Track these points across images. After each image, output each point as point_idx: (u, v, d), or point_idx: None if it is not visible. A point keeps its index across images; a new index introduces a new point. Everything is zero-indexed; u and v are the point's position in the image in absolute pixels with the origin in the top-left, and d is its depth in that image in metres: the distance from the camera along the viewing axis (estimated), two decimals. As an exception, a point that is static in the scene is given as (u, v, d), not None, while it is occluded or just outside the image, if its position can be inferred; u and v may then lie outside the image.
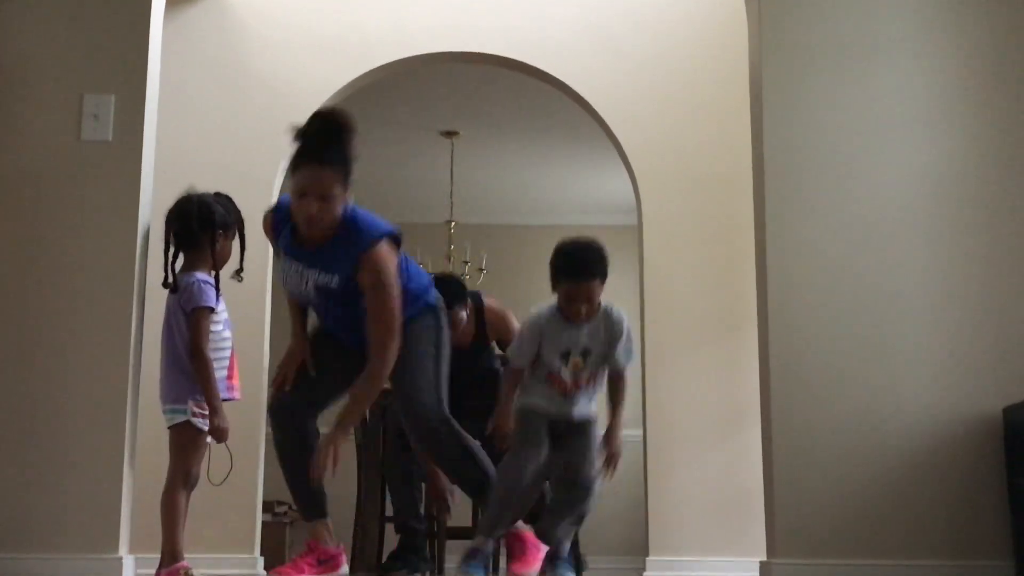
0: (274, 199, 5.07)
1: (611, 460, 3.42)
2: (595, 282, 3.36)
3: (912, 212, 3.51)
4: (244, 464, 4.69)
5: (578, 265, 3.37)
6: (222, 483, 3.31)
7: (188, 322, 3.22)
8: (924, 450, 3.38)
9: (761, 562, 3.50)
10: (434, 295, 3.57)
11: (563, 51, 5.19)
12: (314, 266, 3.32)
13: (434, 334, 3.52)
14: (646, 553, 4.87)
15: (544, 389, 3.43)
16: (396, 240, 3.37)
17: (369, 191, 8.48)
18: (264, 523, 5.24)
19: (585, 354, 3.37)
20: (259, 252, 4.86)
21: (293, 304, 3.51)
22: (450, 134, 7.39)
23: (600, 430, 3.47)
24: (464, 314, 4.47)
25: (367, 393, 3.30)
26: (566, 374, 3.36)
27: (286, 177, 3.26)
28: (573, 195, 8.57)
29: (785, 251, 3.51)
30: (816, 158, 3.54)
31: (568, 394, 3.40)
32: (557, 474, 3.45)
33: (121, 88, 3.48)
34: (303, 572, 3.28)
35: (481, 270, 8.15)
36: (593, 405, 3.46)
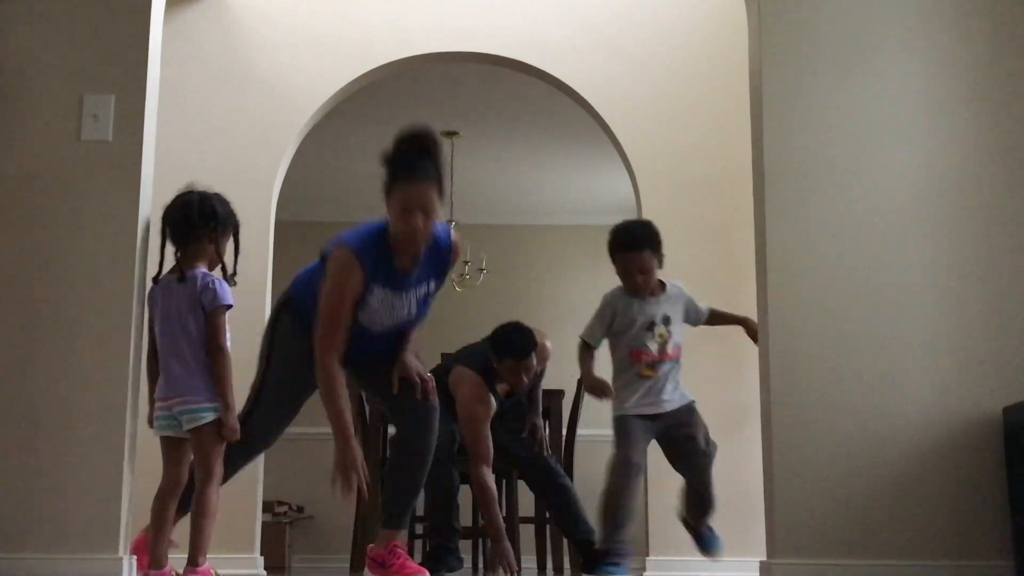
0: (274, 199, 5.07)
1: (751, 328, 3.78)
2: (645, 252, 3.63)
3: (912, 211, 3.51)
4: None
5: (626, 238, 3.69)
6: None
7: (208, 320, 3.20)
8: (924, 450, 3.38)
9: (761, 562, 3.50)
10: None
11: (563, 51, 5.19)
12: (414, 285, 3.50)
13: None
14: (646, 553, 4.87)
15: (631, 383, 3.60)
16: None
17: (369, 192, 8.47)
18: (264, 523, 5.24)
19: (667, 322, 3.55)
20: (260, 252, 4.87)
21: (338, 400, 3.40)
22: (450, 134, 7.38)
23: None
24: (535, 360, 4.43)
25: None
26: (653, 345, 3.52)
27: (390, 197, 3.42)
28: (573, 195, 8.57)
29: (785, 251, 3.51)
30: (816, 158, 3.54)
31: (655, 366, 3.52)
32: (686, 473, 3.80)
33: (121, 88, 3.48)
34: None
35: (481, 270, 8.15)
36: (685, 391, 3.63)
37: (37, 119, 3.45)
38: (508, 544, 4.40)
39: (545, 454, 4.68)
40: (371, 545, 3.60)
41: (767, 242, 3.53)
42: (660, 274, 3.83)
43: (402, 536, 3.62)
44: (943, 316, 3.45)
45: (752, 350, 3.94)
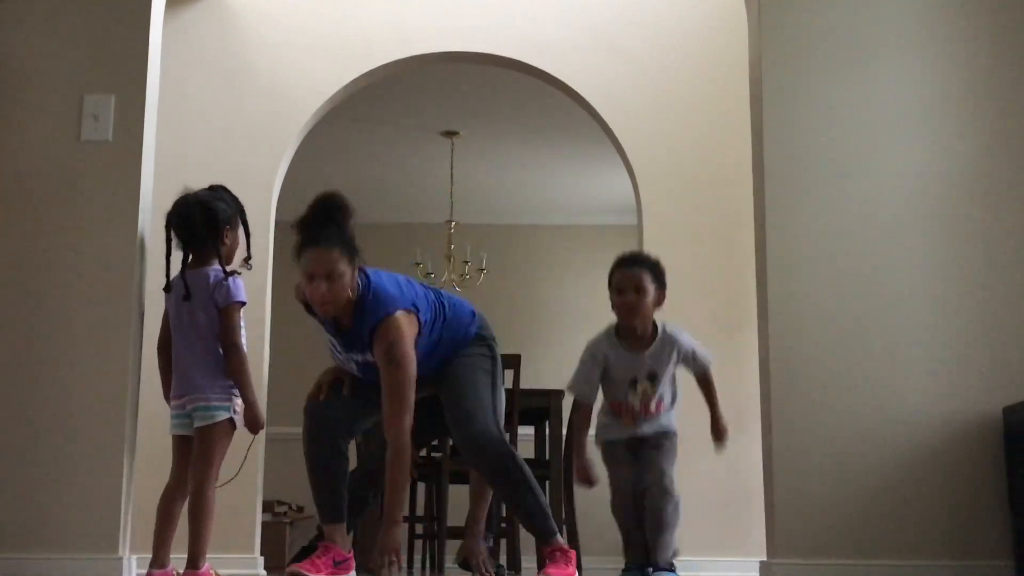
0: (274, 199, 5.07)
1: (720, 438, 3.47)
2: (644, 272, 3.42)
3: (912, 211, 3.51)
4: (245, 464, 4.68)
5: (628, 256, 3.51)
6: (226, 484, 3.30)
7: (221, 317, 3.20)
8: (924, 450, 3.38)
9: (761, 562, 3.50)
10: (478, 325, 3.61)
11: (563, 51, 5.19)
12: (352, 348, 3.40)
13: (488, 362, 3.56)
14: (646, 553, 4.87)
15: (612, 421, 3.46)
16: (417, 310, 3.41)
17: (369, 191, 8.49)
18: (264, 523, 5.24)
19: (652, 378, 3.40)
20: (260, 250, 4.85)
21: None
22: (450, 134, 7.38)
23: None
24: None
25: (398, 474, 3.30)
26: (634, 400, 3.39)
27: (298, 263, 3.33)
28: (573, 195, 8.57)
29: (785, 250, 3.51)
30: (816, 157, 3.54)
31: (636, 420, 3.41)
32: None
33: (121, 88, 3.48)
34: (320, 571, 3.30)
35: (481, 270, 8.14)
36: (671, 420, 3.46)
37: (37, 119, 3.45)
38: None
39: None
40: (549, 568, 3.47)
41: (767, 242, 3.53)
42: (660, 317, 3.61)
43: (558, 541, 3.48)
44: (943, 316, 3.45)
45: (753, 350, 3.94)
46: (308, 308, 3.42)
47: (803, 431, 3.40)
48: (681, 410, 3.52)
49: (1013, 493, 3.32)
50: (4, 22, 3.49)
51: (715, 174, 5.10)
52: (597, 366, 3.45)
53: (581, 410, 3.49)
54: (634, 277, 3.42)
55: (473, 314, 3.64)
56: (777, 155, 3.55)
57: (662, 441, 3.44)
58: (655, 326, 3.47)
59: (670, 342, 3.45)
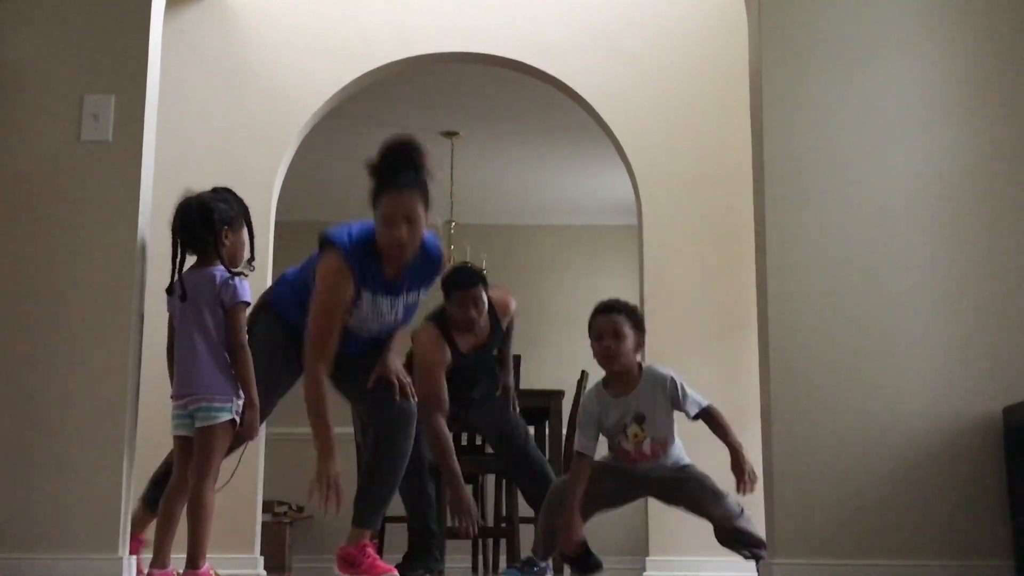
0: (274, 199, 5.07)
1: (744, 484, 3.62)
2: (621, 318, 3.59)
3: (912, 211, 3.51)
4: (244, 464, 4.68)
5: (605, 304, 3.68)
6: (220, 489, 3.30)
7: (227, 317, 3.20)
8: (924, 450, 3.38)
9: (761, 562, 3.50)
10: None
11: (563, 51, 5.19)
12: (402, 292, 3.53)
13: None
14: (646, 553, 4.87)
15: (614, 457, 3.65)
16: None
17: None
18: (264, 523, 5.24)
19: (640, 420, 3.47)
20: (260, 250, 4.84)
21: (325, 413, 3.39)
22: (450, 134, 7.38)
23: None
24: (486, 296, 4.43)
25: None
26: (628, 444, 3.47)
27: (376, 207, 3.43)
28: (573, 195, 8.57)
29: (785, 250, 3.50)
30: (816, 157, 3.54)
31: (635, 464, 3.51)
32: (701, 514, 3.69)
33: (121, 88, 3.48)
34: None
35: (481, 270, 8.15)
36: (680, 454, 3.64)
37: (37, 119, 3.45)
38: (468, 494, 4.27)
39: (514, 410, 4.62)
40: (342, 544, 3.59)
41: (767, 241, 3.53)
42: (648, 360, 3.73)
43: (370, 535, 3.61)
44: (943, 315, 3.45)
45: (753, 350, 3.94)
46: (355, 276, 3.41)
47: (803, 431, 3.40)
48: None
49: (1013, 493, 3.32)
50: (4, 22, 3.49)
51: (715, 174, 5.10)
52: (592, 421, 3.59)
53: (581, 462, 3.58)
54: (611, 323, 3.56)
55: None
56: (777, 155, 3.55)
57: (687, 472, 3.62)
58: (641, 370, 3.57)
59: (654, 380, 3.54)
